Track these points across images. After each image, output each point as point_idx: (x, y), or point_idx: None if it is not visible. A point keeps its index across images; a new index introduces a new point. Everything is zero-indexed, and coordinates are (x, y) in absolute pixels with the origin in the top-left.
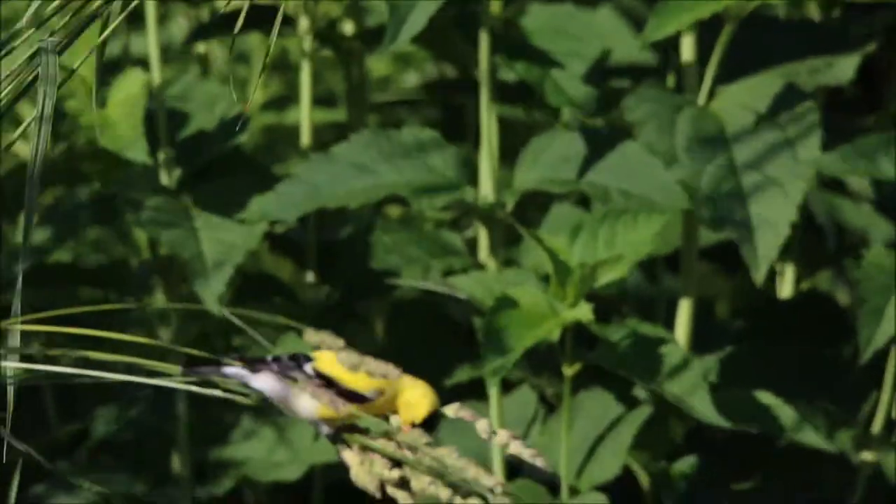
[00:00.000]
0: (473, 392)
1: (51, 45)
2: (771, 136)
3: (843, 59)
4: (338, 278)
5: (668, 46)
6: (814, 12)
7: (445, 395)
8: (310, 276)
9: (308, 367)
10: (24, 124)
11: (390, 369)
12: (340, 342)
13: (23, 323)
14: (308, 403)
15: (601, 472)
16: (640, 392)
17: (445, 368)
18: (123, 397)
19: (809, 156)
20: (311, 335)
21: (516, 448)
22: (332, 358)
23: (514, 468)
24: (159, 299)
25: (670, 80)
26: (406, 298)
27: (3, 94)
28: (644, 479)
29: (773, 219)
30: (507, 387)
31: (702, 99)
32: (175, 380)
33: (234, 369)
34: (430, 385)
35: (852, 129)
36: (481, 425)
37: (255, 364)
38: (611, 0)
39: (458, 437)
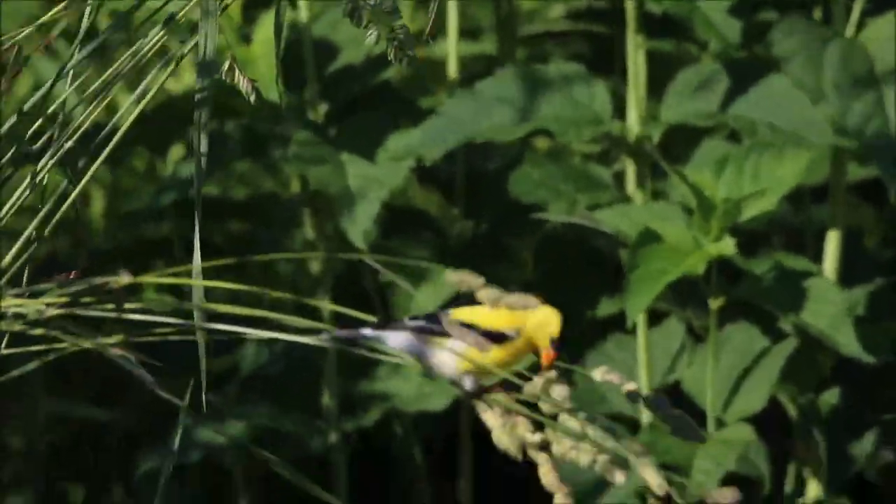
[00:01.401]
0: (622, 324)
1: None
2: None
3: None
4: (485, 212)
5: None
6: None
7: (594, 327)
8: (457, 211)
9: (445, 320)
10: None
11: (530, 300)
12: (481, 280)
13: (173, 275)
14: (450, 358)
15: (748, 405)
16: (786, 324)
17: (593, 301)
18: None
19: None
20: (451, 275)
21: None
22: (467, 310)
23: None
24: (307, 232)
25: (817, 13)
26: (553, 232)
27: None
28: (792, 411)
29: None
30: (655, 318)
31: (850, 31)
32: (319, 339)
33: (372, 331)
34: (579, 317)
35: None
36: (628, 387)
37: (392, 324)
38: None
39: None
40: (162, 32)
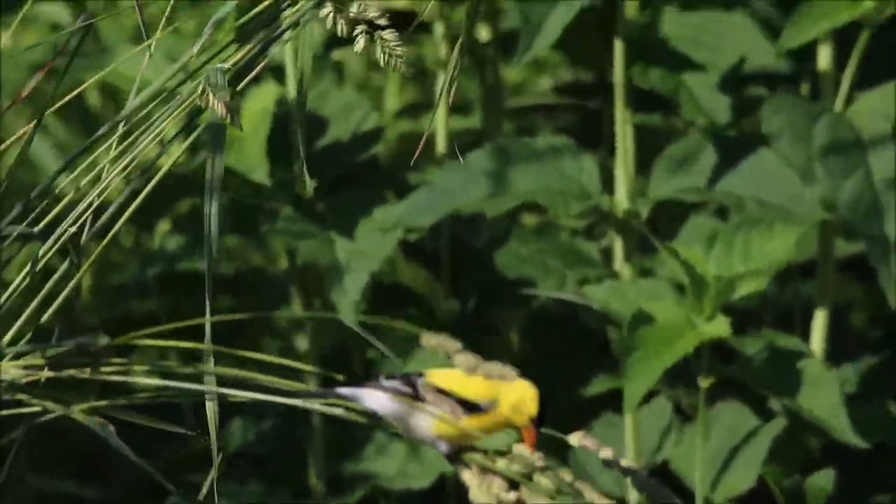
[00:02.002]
0: (610, 400)
1: (221, 73)
2: None
3: None
4: (472, 289)
5: (803, 53)
6: None
7: (582, 405)
8: (444, 287)
9: (420, 382)
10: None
11: (507, 371)
12: (457, 344)
13: (156, 337)
14: (424, 421)
15: (736, 485)
16: (775, 403)
17: (581, 378)
18: (257, 409)
19: None
20: (428, 339)
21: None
22: (443, 373)
23: None
24: (295, 308)
25: (805, 88)
26: (541, 308)
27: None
28: (779, 493)
29: None
30: (643, 397)
31: (838, 106)
32: (301, 399)
33: (348, 390)
34: (567, 394)
35: None
36: (605, 454)
37: (368, 384)
38: (745, 5)
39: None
40: (162, 127)
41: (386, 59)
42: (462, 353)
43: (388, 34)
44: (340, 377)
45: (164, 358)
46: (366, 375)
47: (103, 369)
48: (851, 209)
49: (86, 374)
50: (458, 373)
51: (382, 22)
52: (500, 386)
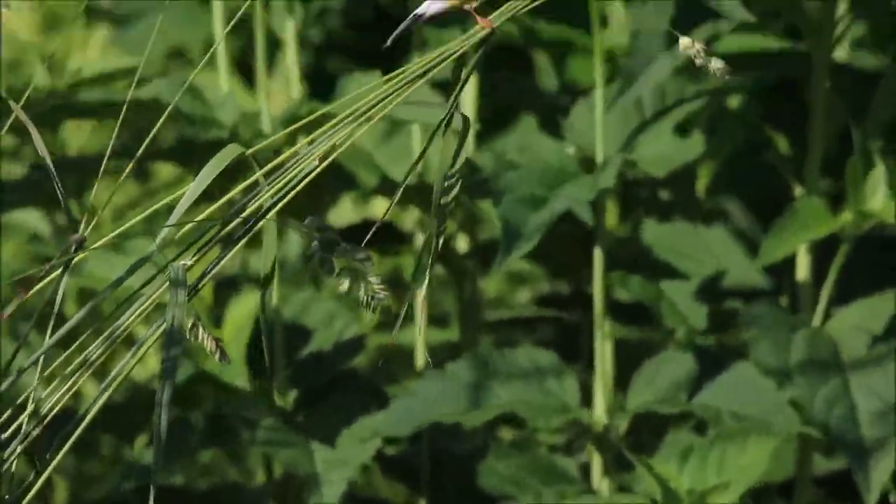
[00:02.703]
0: None
1: (180, 271)
2: (886, 359)
3: None
4: (452, 501)
5: (781, 267)
6: None
7: None
8: (423, 499)
9: None
10: (142, 347)
11: None
12: None
13: None
14: None
15: None
16: None
17: None
18: None
19: None
20: None
21: None
22: None
23: None
24: None
25: (783, 301)
26: None
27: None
28: None
29: (885, 445)
30: None
31: (817, 320)
32: None
33: None
34: None
35: None
36: None
37: None
38: (723, 220)
39: None
40: (133, 317)
41: (367, 301)
42: None
43: (374, 280)
44: None
45: None
46: None
47: None
48: (826, 412)
49: None
50: None
51: (368, 265)
52: None
